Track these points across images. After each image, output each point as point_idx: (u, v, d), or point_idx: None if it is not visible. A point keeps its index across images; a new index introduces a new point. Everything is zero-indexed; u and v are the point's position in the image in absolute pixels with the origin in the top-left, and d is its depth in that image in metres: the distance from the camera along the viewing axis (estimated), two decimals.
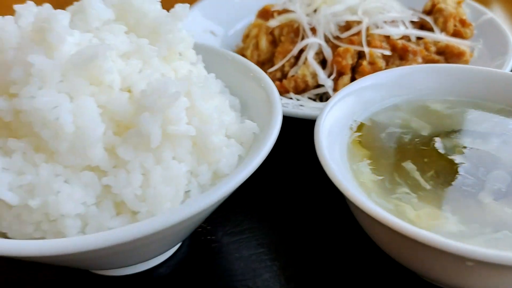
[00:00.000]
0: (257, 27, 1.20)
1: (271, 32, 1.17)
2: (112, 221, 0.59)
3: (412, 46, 1.05)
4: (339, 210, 0.86)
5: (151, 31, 0.70)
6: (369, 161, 0.73)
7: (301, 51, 1.09)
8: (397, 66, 1.04)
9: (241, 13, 1.38)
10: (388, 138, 0.77)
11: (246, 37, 1.23)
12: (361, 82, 0.83)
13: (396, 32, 1.07)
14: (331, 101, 0.77)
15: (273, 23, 1.16)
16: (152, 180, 0.59)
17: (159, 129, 0.58)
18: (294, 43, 1.11)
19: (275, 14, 1.21)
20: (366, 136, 0.77)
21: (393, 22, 1.10)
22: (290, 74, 1.08)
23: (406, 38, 1.09)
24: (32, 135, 0.57)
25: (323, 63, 1.09)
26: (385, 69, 1.04)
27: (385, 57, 1.05)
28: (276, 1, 1.24)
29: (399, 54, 1.05)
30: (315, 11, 1.13)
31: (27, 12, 0.64)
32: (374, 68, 1.03)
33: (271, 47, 1.16)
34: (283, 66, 1.09)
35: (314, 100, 1.07)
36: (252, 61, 1.13)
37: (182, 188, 0.61)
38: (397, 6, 1.14)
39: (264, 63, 1.15)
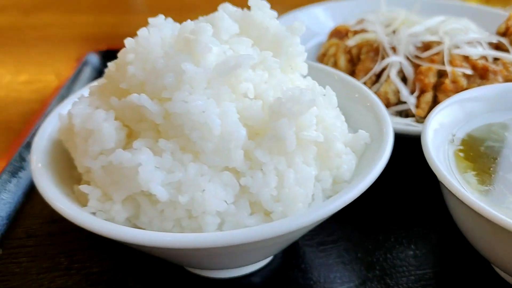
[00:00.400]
0: (335, 46, 1.25)
1: (348, 51, 1.21)
2: (248, 219, 0.63)
3: (492, 66, 1.08)
4: (438, 221, 0.89)
5: (272, 45, 0.74)
6: (474, 172, 0.76)
7: (382, 69, 1.13)
8: (478, 85, 1.07)
9: (307, 35, 1.43)
10: (488, 152, 0.80)
11: (323, 55, 1.27)
12: (464, 94, 0.87)
13: (475, 52, 1.11)
14: (434, 111, 0.81)
15: (351, 42, 1.20)
16: (286, 182, 0.63)
17: (293, 134, 0.62)
18: (374, 61, 1.15)
19: (350, 34, 1.26)
20: (466, 149, 0.80)
21: (470, 43, 1.13)
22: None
23: (484, 58, 1.12)
24: (181, 137, 0.62)
25: (403, 81, 1.12)
26: (466, 88, 1.07)
27: (466, 76, 1.08)
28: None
29: (480, 74, 1.08)
30: (393, 32, 1.17)
31: (163, 24, 0.70)
32: (456, 86, 1.06)
33: (349, 65, 1.20)
34: (364, 83, 1.13)
35: (395, 116, 1.10)
36: None
37: (310, 191, 0.65)
38: (474, 27, 1.18)
39: None
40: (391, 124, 0.76)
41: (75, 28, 1.92)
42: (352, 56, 1.21)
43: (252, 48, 0.72)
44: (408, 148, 0.97)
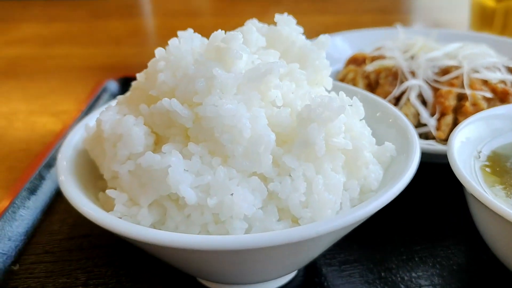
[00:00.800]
0: (353, 71, 1.26)
1: (367, 76, 1.22)
2: (276, 225, 0.62)
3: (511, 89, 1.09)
4: (464, 239, 0.87)
5: (298, 58, 0.76)
6: (501, 186, 0.75)
7: (401, 93, 1.13)
8: None
9: None
10: None
11: (341, 81, 1.28)
12: (488, 112, 0.87)
13: (494, 77, 1.11)
14: (459, 127, 0.81)
15: (369, 67, 1.22)
16: (315, 188, 0.62)
17: (322, 140, 0.62)
18: (393, 85, 1.16)
19: (368, 60, 1.27)
20: (492, 165, 0.80)
21: (488, 68, 1.14)
22: None
23: (503, 83, 1.13)
24: (210, 140, 0.62)
25: (422, 104, 1.13)
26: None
27: (486, 99, 1.08)
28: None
29: (500, 97, 1.09)
30: (412, 57, 1.19)
31: (193, 36, 0.72)
32: (477, 109, 1.07)
33: (368, 90, 1.21)
34: None
35: None
36: None
37: (339, 198, 0.64)
38: (492, 53, 1.19)
39: None
40: (417, 137, 0.75)
41: (93, 58, 1.96)
42: (370, 81, 1.22)
43: (279, 60, 0.73)
44: (430, 169, 0.97)
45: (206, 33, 2.23)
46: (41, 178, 1.06)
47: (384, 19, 2.36)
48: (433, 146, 0.97)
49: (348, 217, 0.58)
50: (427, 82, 1.13)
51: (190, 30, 0.75)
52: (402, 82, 1.15)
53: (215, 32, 0.68)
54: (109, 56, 1.98)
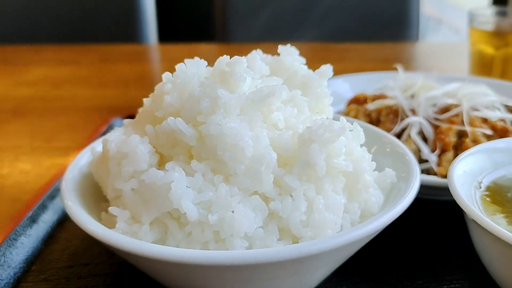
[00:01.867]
0: (354, 110, 1.29)
1: (368, 114, 1.24)
2: (276, 244, 0.62)
3: (511, 128, 1.10)
4: (468, 270, 0.86)
5: (301, 85, 0.78)
6: (503, 215, 0.75)
7: (402, 130, 1.15)
8: None
9: None
10: None
11: None
12: (489, 144, 0.88)
13: (494, 115, 1.13)
14: (459, 157, 0.82)
15: (371, 106, 1.24)
16: (316, 207, 0.63)
17: (323, 160, 0.63)
18: (394, 123, 1.18)
19: (369, 99, 1.30)
20: (493, 195, 0.80)
21: (488, 107, 1.16)
22: None
23: (502, 121, 1.15)
24: (213, 158, 0.63)
25: (423, 141, 1.14)
26: None
27: (486, 136, 1.10)
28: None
29: (500, 135, 1.10)
30: (412, 96, 1.21)
31: (199, 62, 0.74)
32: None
33: None
34: None
35: None
36: None
37: (340, 218, 0.65)
38: (491, 92, 1.22)
39: None
40: (417, 165, 0.76)
41: (100, 99, 2.00)
42: (371, 119, 1.24)
43: (280, 83, 0.76)
44: (432, 206, 0.97)
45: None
46: (44, 208, 1.06)
47: (387, 67, 2.41)
48: (433, 178, 0.97)
49: (349, 235, 0.59)
50: (427, 120, 1.15)
51: (197, 58, 0.78)
52: (402, 119, 1.17)
53: (220, 57, 0.70)
54: (116, 97, 2.02)
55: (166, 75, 0.72)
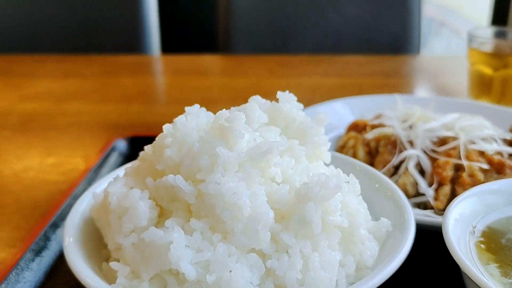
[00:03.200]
0: (353, 138, 1.30)
1: (367, 144, 1.26)
2: None
3: (508, 161, 1.12)
4: None
5: (298, 133, 0.79)
6: (496, 265, 0.76)
7: (400, 162, 1.17)
8: (495, 179, 1.10)
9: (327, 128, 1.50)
10: (510, 244, 0.81)
11: (342, 147, 1.32)
12: (483, 187, 0.89)
13: (491, 148, 1.15)
14: (454, 202, 0.83)
15: (369, 135, 1.26)
16: (311, 265, 0.64)
17: (319, 218, 0.65)
18: (392, 154, 1.19)
19: (368, 128, 1.31)
20: (487, 241, 0.81)
21: (485, 139, 1.18)
22: None
23: (499, 154, 1.16)
24: (211, 216, 0.65)
25: (420, 172, 1.15)
26: (484, 182, 1.10)
27: (482, 170, 1.11)
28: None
29: (496, 168, 1.12)
30: (410, 127, 1.23)
31: (199, 112, 0.76)
32: (474, 180, 1.09)
33: (368, 157, 1.24)
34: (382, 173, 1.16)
35: (413, 208, 1.12)
36: None
37: (335, 276, 0.66)
38: (488, 124, 1.23)
39: None
40: (413, 214, 0.78)
41: (104, 116, 2.01)
42: (370, 149, 1.25)
43: (280, 136, 0.77)
44: (427, 240, 0.97)
45: (214, 93, 2.30)
46: (46, 239, 1.07)
47: (386, 83, 2.43)
48: (430, 217, 0.98)
49: None
50: (425, 152, 1.17)
51: (197, 106, 0.79)
52: (400, 151, 1.19)
53: (220, 112, 0.72)
54: (119, 114, 2.04)
55: (166, 127, 0.74)
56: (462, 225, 0.83)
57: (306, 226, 0.65)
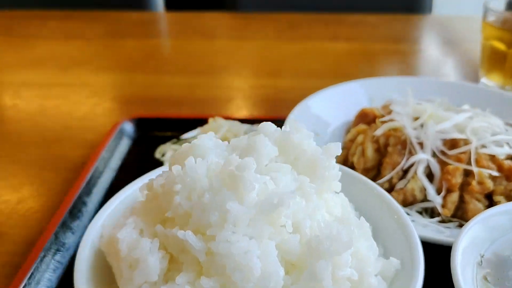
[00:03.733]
0: (363, 133, 1.28)
1: (376, 140, 1.24)
2: None
3: None
4: None
5: (309, 166, 0.78)
6: None
7: (409, 165, 1.16)
8: (505, 186, 1.10)
9: (337, 114, 1.48)
10: None
11: (351, 141, 1.31)
12: (492, 211, 0.88)
13: (502, 152, 1.13)
14: (463, 231, 0.83)
15: (378, 132, 1.24)
16: None
17: (330, 274, 0.65)
18: (401, 154, 1.18)
19: (377, 121, 1.29)
20: (494, 273, 0.82)
21: (495, 142, 1.16)
22: (397, 186, 1.15)
23: (510, 158, 1.15)
24: (222, 275, 0.65)
25: (429, 176, 1.15)
26: (493, 189, 1.09)
27: (492, 177, 1.10)
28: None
29: (506, 175, 1.11)
30: (421, 125, 1.20)
31: (209, 150, 0.74)
32: (483, 188, 1.09)
33: (376, 155, 1.23)
34: (391, 178, 1.16)
35: (421, 213, 1.13)
36: (359, 168, 1.22)
37: None
38: (500, 123, 1.21)
39: (369, 170, 1.23)
40: (421, 251, 0.78)
41: (108, 87, 1.99)
42: (379, 145, 1.24)
43: (290, 172, 0.76)
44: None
45: (220, 59, 2.20)
46: (46, 268, 1.02)
47: (397, 49, 2.36)
48: (438, 235, 0.98)
49: None
50: (434, 154, 1.15)
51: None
52: (410, 152, 1.17)
53: (230, 157, 0.71)
54: (123, 84, 2.01)
55: (176, 169, 0.72)
56: (471, 255, 0.83)
57: (316, 283, 0.65)
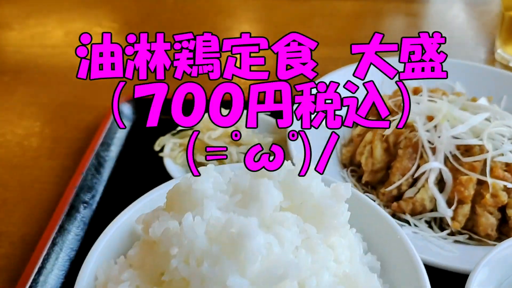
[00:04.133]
0: (371, 130, 1.21)
1: (385, 139, 1.18)
2: None
3: None
4: None
5: (316, 213, 0.73)
6: None
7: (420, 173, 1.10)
8: None
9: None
10: None
11: (359, 136, 1.24)
12: (506, 244, 0.84)
13: None
14: (476, 269, 0.79)
15: (388, 131, 1.17)
16: None
17: None
18: (412, 159, 1.12)
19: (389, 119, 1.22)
20: None
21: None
22: (406, 194, 1.10)
23: None
24: None
25: (440, 182, 1.10)
26: (507, 203, 1.04)
27: (506, 189, 1.05)
28: None
29: None
30: (435, 127, 1.13)
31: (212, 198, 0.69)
32: (496, 201, 1.04)
33: (386, 155, 1.17)
34: (400, 185, 1.11)
35: (429, 222, 1.09)
36: (367, 170, 1.16)
37: None
38: None
39: (377, 172, 1.17)
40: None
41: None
42: (389, 145, 1.18)
43: (296, 224, 0.70)
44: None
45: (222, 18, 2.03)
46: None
47: (408, 8, 2.23)
48: (450, 263, 0.94)
49: None
50: (447, 159, 1.09)
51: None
52: (421, 157, 1.11)
53: (228, 219, 0.65)
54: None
55: (173, 225, 0.67)
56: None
57: None
